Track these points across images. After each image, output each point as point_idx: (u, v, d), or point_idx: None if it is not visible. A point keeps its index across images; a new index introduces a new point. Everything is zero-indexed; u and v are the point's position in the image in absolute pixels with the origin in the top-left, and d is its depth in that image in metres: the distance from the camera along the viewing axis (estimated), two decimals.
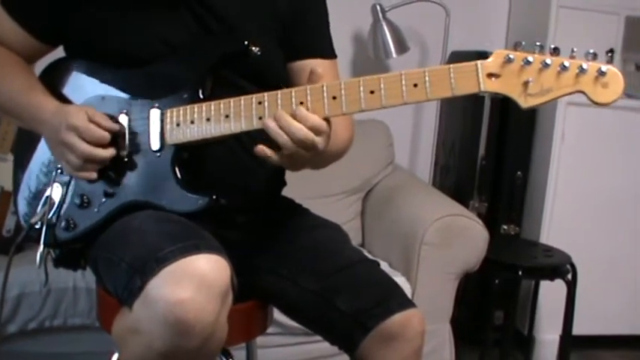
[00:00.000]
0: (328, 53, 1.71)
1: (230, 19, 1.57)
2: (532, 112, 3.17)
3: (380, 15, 3.16)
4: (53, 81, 1.59)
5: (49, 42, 1.63)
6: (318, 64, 1.62)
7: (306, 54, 1.66)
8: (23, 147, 1.67)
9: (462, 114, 3.32)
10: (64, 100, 1.55)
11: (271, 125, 1.35)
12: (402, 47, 3.18)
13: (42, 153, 1.59)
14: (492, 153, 3.19)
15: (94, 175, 1.48)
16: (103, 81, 1.55)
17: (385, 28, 3.15)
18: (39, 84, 1.57)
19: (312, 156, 1.38)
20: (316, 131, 1.35)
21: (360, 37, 3.40)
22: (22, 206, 1.62)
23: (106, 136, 1.45)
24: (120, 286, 1.34)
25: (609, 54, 1.26)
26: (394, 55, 3.15)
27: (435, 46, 3.34)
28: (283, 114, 1.35)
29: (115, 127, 1.47)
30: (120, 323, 1.37)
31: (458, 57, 3.20)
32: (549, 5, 3.07)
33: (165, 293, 1.23)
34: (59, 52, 1.66)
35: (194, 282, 1.23)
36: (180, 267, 1.25)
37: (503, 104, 3.13)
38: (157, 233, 1.35)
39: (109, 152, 1.46)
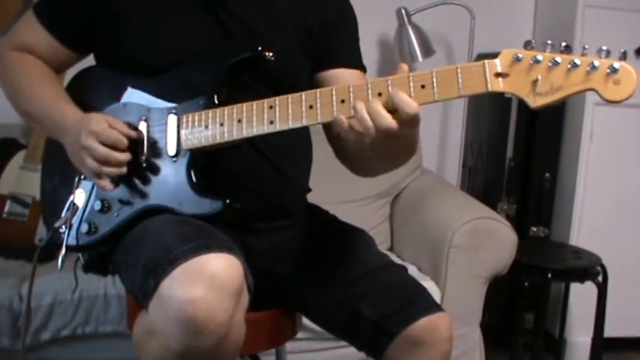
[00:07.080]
0: (356, 64, 1.70)
1: (252, 26, 1.58)
2: (560, 113, 3.14)
3: (405, 19, 3.16)
4: (79, 90, 1.62)
5: (79, 50, 1.67)
6: (345, 75, 1.63)
7: (334, 64, 1.66)
8: (51, 159, 1.70)
9: (489, 116, 3.30)
10: (89, 107, 1.57)
11: (359, 107, 1.31)
12: (427, 51, 3.17)
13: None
14: (520, 155, 3.16)
15: (109, 185, 1.50)
16: (124, 89, 1.57)
17: (410, 31, 3.15)
18: (64, 94, 1.61)
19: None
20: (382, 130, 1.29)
21: (385, 42, 3.40)
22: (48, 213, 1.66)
23: (123, 140, 1.47)
24: (137, 287, 1.36)
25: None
26: (420, 58, 3.14)
27: (461, 49, 3.33)
28: (376, 102, 1.30)
29: (133, 134, 1.49)
30: (138, 326, 1.39)
31: (484, 59, 3.16)
32: (576, 4, 3.03)
33: (177, 293, 1.24)
34: (90, 61, 1.69)
35: (205, 281, 1.24)
36: (192, 266, 1.26)
37: None
38: (171, 235, 1.36)
39: (125, 156, 1.48)
